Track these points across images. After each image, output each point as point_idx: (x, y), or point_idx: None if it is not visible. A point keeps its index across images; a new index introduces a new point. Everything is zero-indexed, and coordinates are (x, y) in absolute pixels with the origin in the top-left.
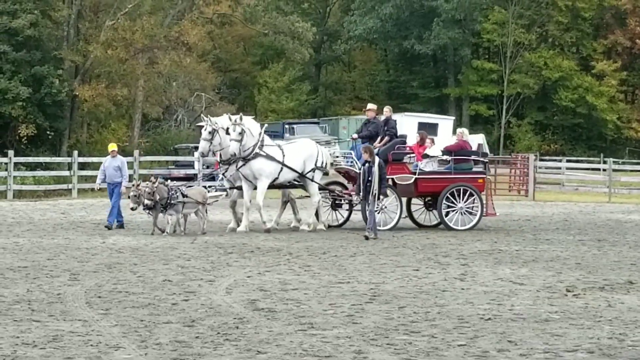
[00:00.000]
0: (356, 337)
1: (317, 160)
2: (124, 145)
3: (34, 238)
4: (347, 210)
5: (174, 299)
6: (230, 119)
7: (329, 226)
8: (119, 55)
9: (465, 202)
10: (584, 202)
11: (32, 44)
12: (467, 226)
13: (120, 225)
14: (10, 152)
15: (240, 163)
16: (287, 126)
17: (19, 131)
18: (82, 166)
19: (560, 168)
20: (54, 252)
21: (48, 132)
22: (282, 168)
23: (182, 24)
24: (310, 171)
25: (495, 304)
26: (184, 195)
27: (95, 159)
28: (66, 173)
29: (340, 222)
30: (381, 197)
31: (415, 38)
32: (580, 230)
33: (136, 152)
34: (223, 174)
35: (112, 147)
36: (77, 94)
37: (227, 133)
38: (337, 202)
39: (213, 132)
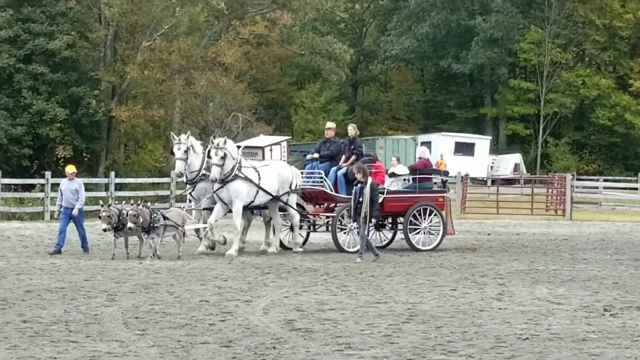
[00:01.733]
0: (393, 357)
1: (291, 182)
2: (161, 166)
3: (71, 259)
4: (306, 230)
5: (211, 320)
6: (213, 142)
7: (285, 247)
8: (155, 76)
9: (428, 221)
10: (621, 221)
11: (69, 65)
12: (431, 246)
13: (58, 251)
14: (48, 174)
15: (217, 185)
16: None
17: (57, 152)
18: (120, 187)
19: (597, 187)
20: (91, 273)
21: (85, 154)
22: (257, 191)
23: (219, 45)
24: (285, 194)
25: (532, 324)
26: (165, 218)
27: (132, 180)
28: (103, 194)
29: (300, 241)
30: (373, 220)
31: (452, 57)
32: (617, 249)
33: (173, 173)
34: (190, 194)
35: (70, 169)
36: (114, 114)
37: (209, 156)
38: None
39: (187, 151)
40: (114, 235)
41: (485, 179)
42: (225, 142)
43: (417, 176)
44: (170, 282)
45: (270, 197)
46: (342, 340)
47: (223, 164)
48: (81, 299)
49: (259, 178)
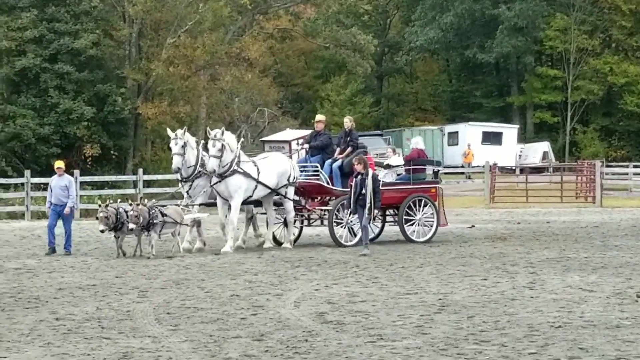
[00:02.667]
0: (426, 347)
1: (290, 175)
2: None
3: (101, 256)
4: (298, 227)
5: (243, 314)
6: (209, 134)
7: (279, 243)
8: (180, 73)
9: (422, 213)
10: None
11: (94, 64)
12: (425, 237)
13: (52, 250)
14: (76, 172)
15: (215, 179)
16: None
17: (84, 151)
18: (148, 184)
19: (627, 174)
20: (122, 270)
21: (112, 151)
22: (256, 185)
23: (243, 40)
24: (283, 187)
25: (565, 312)
26: (163, 215)
27: (160, 177)
28: (132, 191)
29: (292, 238)
30: (375, 211)
31: (477, 47)
32: None
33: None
34: (187, 192)
35: (58, 164)
36: (140, 112)
37: (206, 149)
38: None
39: (185, 146)
40: (114, 235)
41: (513, 168)
42: (222, 134)
43: (410, 167)
44: (201, 277)
45: (269, 191)
46: (374, 332)
47: (221, 156)
48: (113, 295)
49: (258, 172)
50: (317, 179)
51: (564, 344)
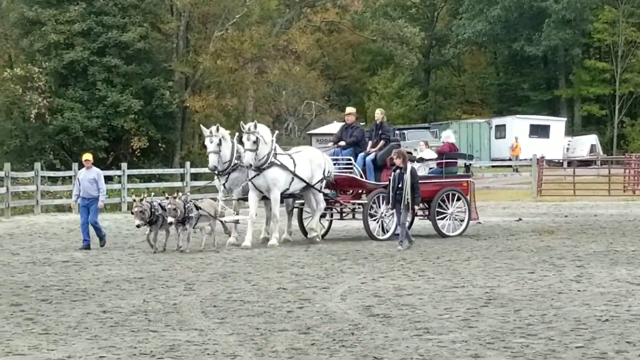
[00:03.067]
0: (472, 341)
1: (324, 169)
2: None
3: (148, 249)
4: (328, 220)
5: (289, 307)
6: (243, 127)
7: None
8: (228, 66)
9: (454, 207)
10: None
11: (142, 57)
12: (457, 232)
13: (87, 247)
14: (124, 165)
15: (252, 173)
16: (397, 132)
17: (132, 144)
18: (195, 177)
19: None
20: (168, 263)
21: (160, 144)
22: (293, 178)
23: (290, 33)
24: (318, 181)
25: (612, 305)
26: (197, 208)
27: (207, 170)
28: (179, 184)
29: (323, 231)
30: (415, 207)
31: (524, 40)
32: None
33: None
34: (223, 185)
35: (87, 156)
36: (188, 105)
37: (240, 142)
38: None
39: (220, 144)
40: (149, 230)
41: (561, 161)
42: (256, 127)
43: (443, 161)
44: (247, 270)
45: (304, 185)
46: (421, 325)
47: (256, 149)
48: (160, 288)
49: (294, 165)
50: (350, 172)
51: (610, 338)
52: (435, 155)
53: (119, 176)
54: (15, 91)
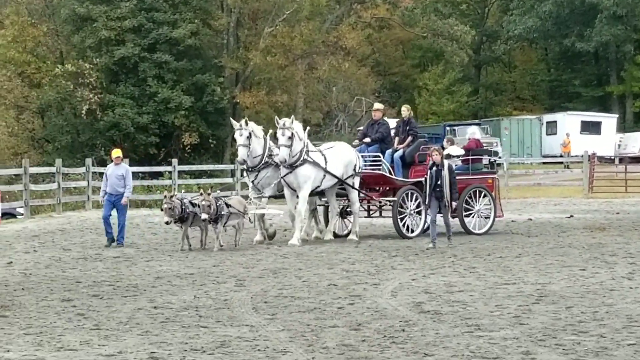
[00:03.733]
0: (523, 338)
1: (355, 165)
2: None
3: (199, 245)
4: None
5: (340, 303)
6: (278, 122)
7: (336, 235)
8: (278, 62)
9: (481, 204)
10: None
11: (192, 53)
12: (484, 229)
13: (112, 240)
14: (174, 161)
15: (285, 170)
16: (448, 128)
17: (183, 140)
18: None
19: None
20: (219, 259)
21: (210, 140)
22: (324, 175)
23: (340, 29)
24: (349, 177)
25: None
26: (227, 206)
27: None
28: (230, 180)
29: (346, 232)
30: (453, 203)
31: (576, 36)
32: None
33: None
34: (252, 182)
35: (117, 153)
36: (238, 101)
37: (275, 138)
38: (346, 209)
39: (250, 137)
40: (180, 227)
41: (612, 158)
42: (292, 122)
43: (469, 157)
44: (298, 266)
45: (336, 181)
46: (472, 322)
47: (291, 145)
48: (210, 284)
49: (326, 162)
50: (379, 169)
51: None
52: (462, 152)
53: (170, 172)
54: (67, 87)
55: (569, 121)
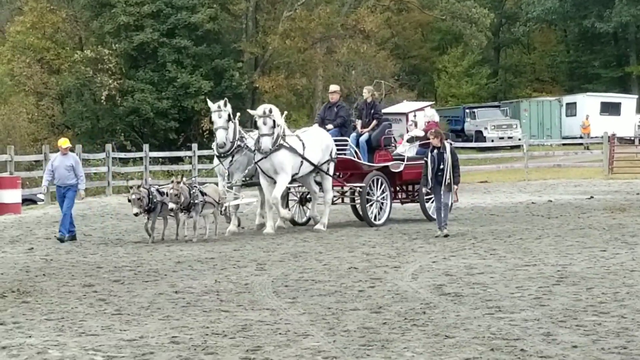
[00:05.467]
0: (544, 319)
1: (331, 151)
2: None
3: (219, 229)
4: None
5: (360, 286)
6: (258, 110)
7: (294, 222)
8: (297, 46)
9: None
10: None
11: (211, 38)
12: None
13: (72, 237)
14: (194, 146)
15: (259, 156)
16: (467, 110)
17: (202, 125)
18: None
19: None
20: (240, 243)
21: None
22: (302, 162)
23: (359, 12)
24: (325, 163)
25: None
26: (202, 194)
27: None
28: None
29: (305, 219)
30: (455, 187)
31: (595, 17)
32: None
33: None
34: (228, 169)
35: (65, 142)
36: (257, 85)
37: (255, 127)
38: (305, 197)
39: (229, 120)
40: (147, 218)
41: (632, 139)
42: (271, 111)
43: (430, 141)
44: (318, 250)
45: (313, 168)
46: (492, 304)
47: (273, 134)
48: (231, 268)
49: (304, 147)
50: (344, 154)
51: None
52: (422, 134)
53: (190, 157)
54: (86, 73)
55: (588, 102)
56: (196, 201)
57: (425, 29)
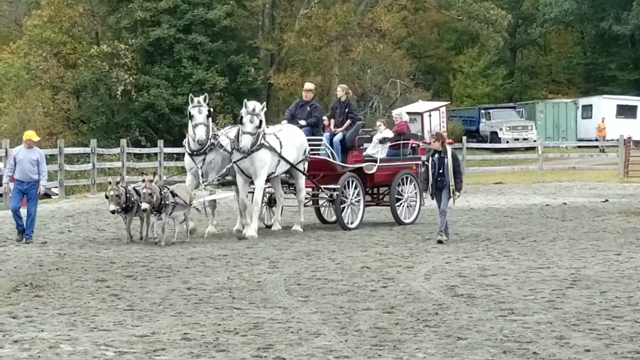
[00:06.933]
0: (557, 322)
1: (305, 149)
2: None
3: (232, 227)
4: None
5: (373, 286)
6: (247, 106)
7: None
8: (312, 44)
9: (409, 191)
10: None
11: (227, 34)
12: (411, 218)
13: (23, 231)
14: None
15: (238, 155)
16: (483, 111)
17: (217, 121)
18: None
19: None
20: (253, 241)
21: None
22: (279, 161)
23: (376, 11)
24: (300, 162)
25: None
26: (174, 195)
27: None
28: None
29: (272, 222)
30: (457, 193)
31: (612, 19)
32: None
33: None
34: (201, 168)
35: (30, 135)
36: (273, 82)
37: (241, 122)
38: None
39: (209, 116)
40: (124, 218)
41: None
42: (263, 109)
43: (400, 142)
44: (331, 248)
45: (288, 167)
46: (505, 306)
47: (255, 133)
48: (244, 266)
49: (281, 146)
50: (317, 154)
51: None
52: (392, 135)
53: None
54: (102, 68)
55: (604, 105)
56: (166, 202)
57: (442, 28)
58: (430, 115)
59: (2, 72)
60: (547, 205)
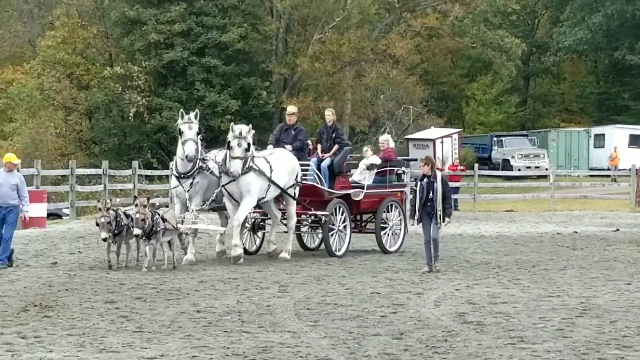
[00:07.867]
0: (567, 351)
1: (297, 174)
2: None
3: (214, 252)
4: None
5: (382, 312)
6: (233, 130)
7: (245, 252)
8: (326, 69)
9: (393, 219)
10: None
11: (241, 58)
12: (395, 247)
13: (10, 264)
14: None
15: (226, 179)
16: (495, 139)
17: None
18: None
19: None
20: (263, 264)
21: (256, 145)
22: (269, 185)
23: (389, 37)
24: (290, 187)
25: None
26: (164, 221)
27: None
28: None
29: (255, 248)
30: (446, 219)
31: (626, 48)
32: None
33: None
34: (187, 191)
35: (10, 157)
36: (285, 106)
37: (229, 147)
38: (258, 224)
39: (199, 133)
40: (112, 242)
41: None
42: (249, 131)
43: (387, 169)
44: (341, 273)
45: (279, 192)
46: (515, 334)
47: (244, 157)
48: (254, 289)
49: (271, 170)
50: (305, 179)
51: None
52: (379, 162)
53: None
54: (115, 90)
55: (617, 134)
56: (158, 228)
57: (455, 55)
58: (442, 142)
59: (15, 93)
60: (558, 233)
